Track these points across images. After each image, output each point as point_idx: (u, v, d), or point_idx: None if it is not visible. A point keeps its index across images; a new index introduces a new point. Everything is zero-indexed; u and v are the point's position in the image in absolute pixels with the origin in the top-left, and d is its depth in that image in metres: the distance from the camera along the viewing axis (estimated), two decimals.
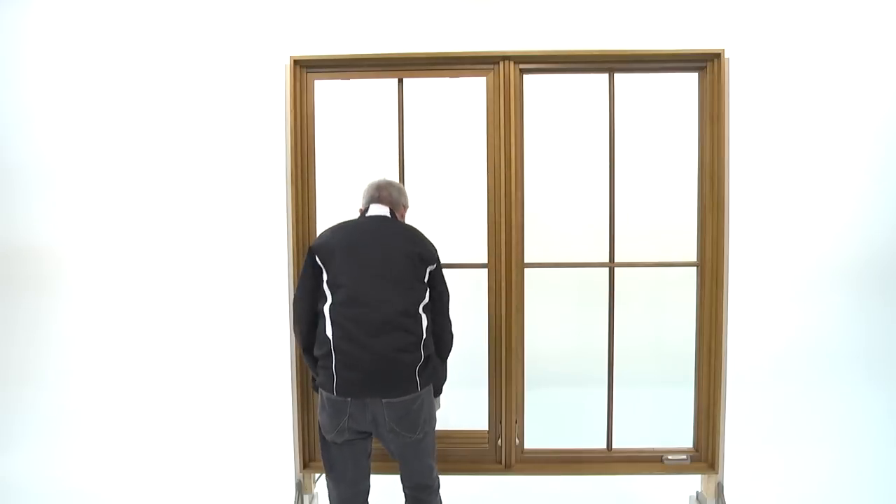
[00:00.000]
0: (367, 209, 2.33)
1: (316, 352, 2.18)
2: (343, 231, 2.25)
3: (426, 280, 2.21)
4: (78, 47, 3.69)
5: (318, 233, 2.57)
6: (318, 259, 2.20)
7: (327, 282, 2.17)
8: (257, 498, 3.11)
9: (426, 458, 2.25)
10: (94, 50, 3.70)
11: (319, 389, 2.20)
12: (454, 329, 2.33)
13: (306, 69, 2.54)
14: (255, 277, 3.71)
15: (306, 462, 2.63)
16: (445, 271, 2.48)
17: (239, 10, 3.68)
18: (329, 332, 2.13)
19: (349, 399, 2.11)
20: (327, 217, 2.60)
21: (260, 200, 3.63)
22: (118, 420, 3.65)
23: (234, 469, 3.33)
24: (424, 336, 2.16)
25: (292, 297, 2.50)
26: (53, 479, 3.28)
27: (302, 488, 2.62)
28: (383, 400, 2.10)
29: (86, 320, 3.80)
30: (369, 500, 2.34)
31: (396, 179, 2.54)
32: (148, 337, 3.78)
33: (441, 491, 2.33)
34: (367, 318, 2.10)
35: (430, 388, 2.22)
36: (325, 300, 2.17)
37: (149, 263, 3.77)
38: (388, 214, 2.29)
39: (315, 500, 2.73)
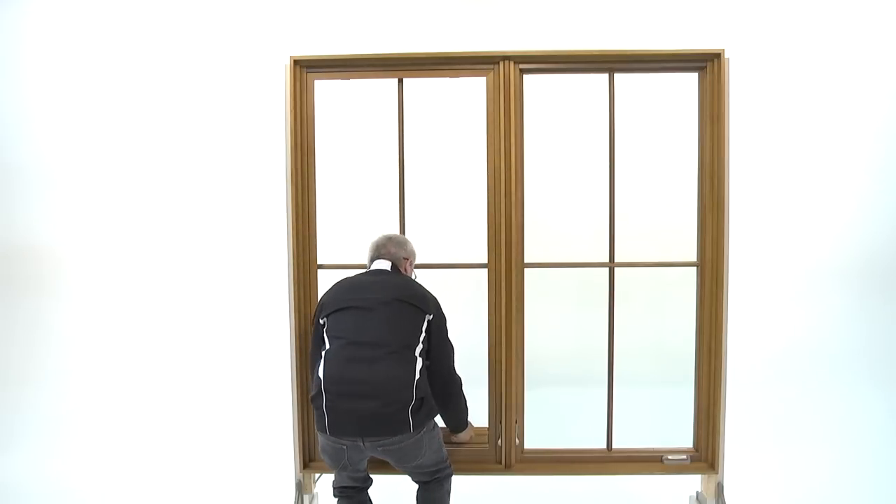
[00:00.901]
0: (370, 266, 2.45)
1: (311, 393, 2.23)
2: (343, 286, 2.35)
3: (424, 328, 2.25)
4: (78, 47, 3.70)
5: (320, 234, 2.58)
6: (320, 318, 2.30)
7: (326, 331, 2.25)
8: (257, 498, 3.11)
9: (430, 467, 2.30)
10: (95, 50, 3.70)
11: (318, 433, 2.24)
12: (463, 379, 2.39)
13: (306, 69, 2.54)
14: (256, 278, 3.71)
15: (306, 462, 2.63)
16: (446, 272, 2.49)
17: (239, 10, 3.68)
18: (321, 373, 2.17)
19: (345, 447, 2.14)
20: (327, 217, 2.60)
21: (260, 200, 3.63)
22: (118, 420, 3.65)
23: (234, 469, 3.33)
24: (418, 377, 2.15)
25: (295, 302, 2.54)
26: (53, 480, 3.28)
27: (302, 488, 2.62)
28: (379, 447, 2.13)
29: (86, 320, 3.80)
30: (370, 492, 2.40)
31: (397, 228, 2.59)
32: (148, 337, 3.78)
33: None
34: (357, 357, 2.13)
35: (430, 427, 2.23)
36: (325, 346, 2.23)
37: (149, 264, 3.77)
38: (388, 268, 2.39)
39: (315, 500, 2.73)
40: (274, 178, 2.84)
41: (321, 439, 2.23)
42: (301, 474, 2.61)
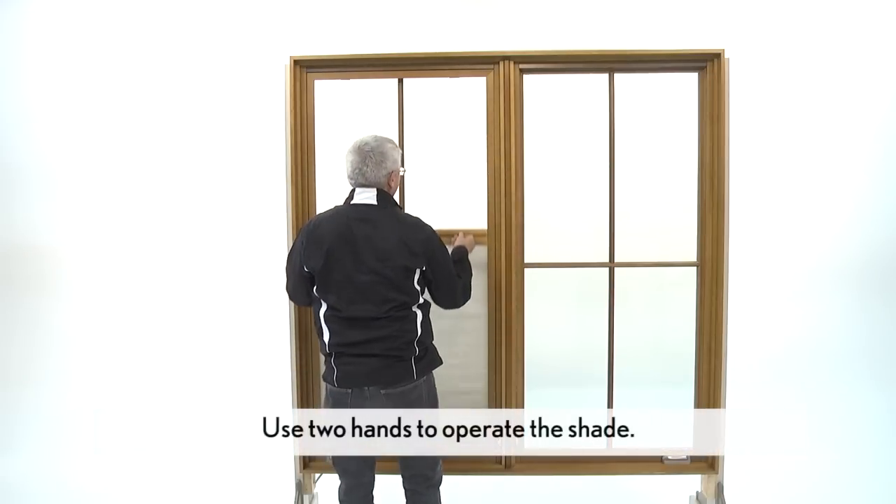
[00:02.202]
0: (352, 195, 2.18)
1: (321, 349, 2.23)
2: (326, 236, 2.12)
3: (417, 280, 2.14)
4: (78, 47, 3.69)
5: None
6: (305, 267, 2.16)
7: (316, 289, 2.17)
8: (257, 498, 3.11)
9: (426, 459, 2.27)
10: (95, 50, 3.69)
11: (322, 381, 2.25)
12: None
13: (306, 69, 2.54)
14: (255, 277, 3.71)
15: (306, 462, 2.63)
16: None
17: (239, 10, 3.68)
18: (326, 336, 2.17)
19: (350, 391, 2.14)
20: None
21: (260, 200, 3.62)
22: (118, 420, 3.64)
23: (235, 469, 3.32)
24: (419, 333, 2.17)
25: (294, 314, 2.55)
26: (54, 480, 3.28)
27: (302, 488, 2.63)
28: (382, 391, 2.13)
29: (86, 320, 3.79)
30: (373, 493, 2.36)
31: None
32: (148, 337, 3.78)
33: (441, 491, 2.34)
34: (356, 325, 2.12)
35: (429, 377, 2.25)
36: (319, 305, 2.18)
37: (149, 263, 3.77)
38: (373, 201, 2.13)
39: (315, 500, 2.73)
40: (274, 177, 2.84)
41: (325, 390, 2.24)
42: (301, 474, 2.62)
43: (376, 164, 2.15)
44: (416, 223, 2.18)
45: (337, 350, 2.15)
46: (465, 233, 2.49)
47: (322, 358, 2.29)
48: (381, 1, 3.64)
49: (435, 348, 2.27)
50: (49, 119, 3.73)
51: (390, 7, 3.63)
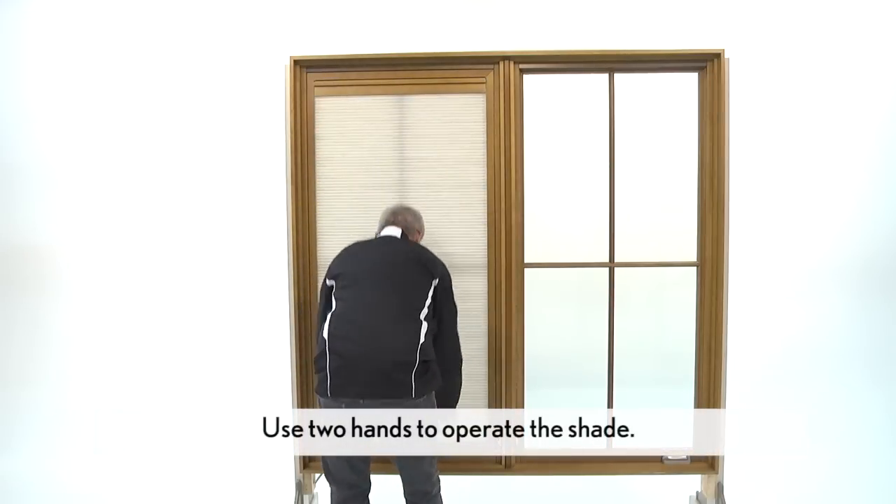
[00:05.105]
0: (380, 231, 2.41)
1: (315, 354, 2.22)
2: (351, 251, 2.35)
3: (430, 292, 2.23)
4: (78, 47, 3.69)
5: (320, 235, 2.58)
6: (328, 279, 2.29)
7: (334, 294, 2.24)
8: (257, 498, 3.11)
9: (424, 465, 2.25)
10: (95, 50, 3.69)
11: (318, 397, 2.22)
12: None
13: (306, 69, 2.54)
14: (255, 278, 3.71)
15: (306, 462, 2.63)
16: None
17: (239, 10, 3.68)
18: (326, 334, 2.16)
19: (343, 405, 2.12)
20: (327, 217, 2.60)
21: (260, 200, 3.62)
22: (118, 420, 3.64)
23: (235, 469, 3.33)
24: (422, 341, 2.13)
25: (295, 304, 2.54)
26: (54, 480, 3.28)
27: (302, 488, 2.62)
28: (377, 408, 2.10)
29: (86, 320, 3.79)
30: (370, 498, 2.34)
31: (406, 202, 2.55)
32: (148, 337, 3.78)
33: (442, 492, 2.33)
34: (363, 321, 2.14)
35: (430, 397, 2.20)
36: (331, 308, 2.22)
37: (149, 264, 3.77)
38: (398, 235, 2.36)
39: (315, 500, 2.73)
40: (274, 178, 2.84)
41: (320, 404, 2.22)
42: (301, 474, 2.62)
43: (414, 215, 2.45)
44: (433, 254, 2.36)
45: (332, 345, 2.12)
46: None
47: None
48: (382, 1, 3.64)
49: (437, 369, 2.21)
50: (49, 119, 3.73)
51: (390, 7, 3.63)
